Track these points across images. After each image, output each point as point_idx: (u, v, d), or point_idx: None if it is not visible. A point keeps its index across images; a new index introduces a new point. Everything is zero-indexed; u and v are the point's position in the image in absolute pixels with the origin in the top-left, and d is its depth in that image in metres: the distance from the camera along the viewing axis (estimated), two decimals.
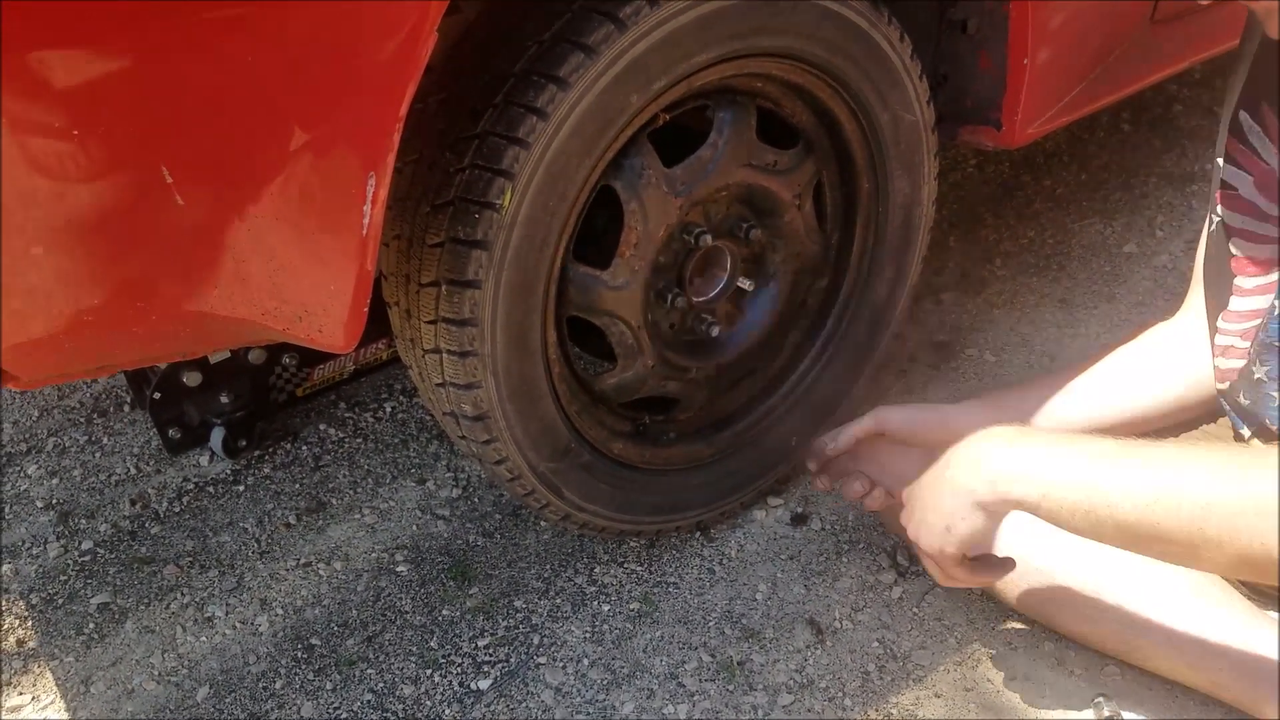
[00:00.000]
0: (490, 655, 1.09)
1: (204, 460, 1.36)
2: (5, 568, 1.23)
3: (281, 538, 1.25)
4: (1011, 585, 1.06)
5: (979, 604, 1.11)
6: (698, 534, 1.22)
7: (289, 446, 1.37)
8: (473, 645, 1.10)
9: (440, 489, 1.30)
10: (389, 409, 1.43)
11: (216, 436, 1.31)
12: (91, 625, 1.15)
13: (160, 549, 1.24)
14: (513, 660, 1.09)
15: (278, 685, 1.08)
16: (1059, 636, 1.06)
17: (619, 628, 1.11)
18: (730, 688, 1.05)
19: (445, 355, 0.93)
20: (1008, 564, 0.93)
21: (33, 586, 1.20)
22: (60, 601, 1.18)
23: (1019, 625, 1.09)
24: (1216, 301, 0.97)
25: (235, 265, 0.76)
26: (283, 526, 1.26)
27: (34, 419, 1.45)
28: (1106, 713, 0.98)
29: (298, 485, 1.32)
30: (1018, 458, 0.81)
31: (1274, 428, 0.89)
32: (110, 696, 1.07)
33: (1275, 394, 0.88)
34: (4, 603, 1.19)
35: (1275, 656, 0.90)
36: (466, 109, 0.89)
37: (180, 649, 1.12)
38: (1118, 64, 1.28)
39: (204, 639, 1.13)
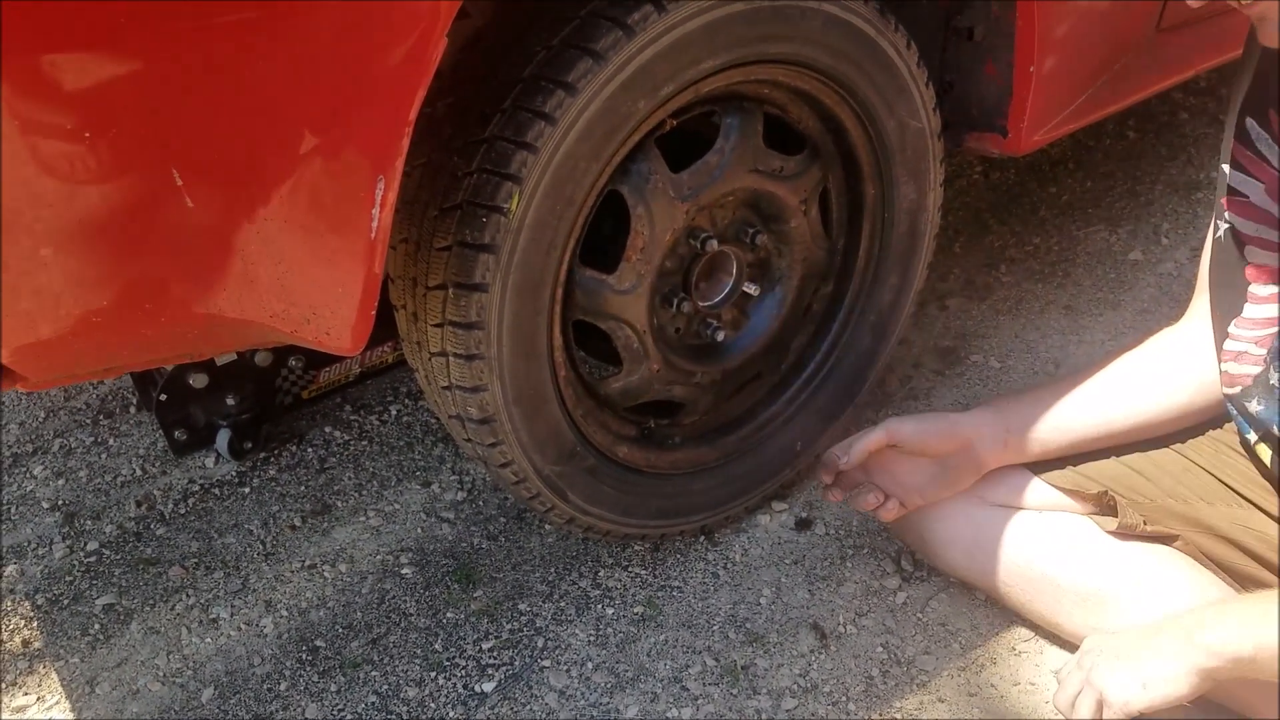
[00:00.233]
0: (494, 658, 1.09)
1: (209, 462, 1.36)
2: (11, 568, 1.23)
3: (287, 540, 1.25)
4: (1017, 590, 1.06)
5: (983, 610, 1.11)
6: (702, 538, 1.22)
7: (294, 449, 1.38)
8: (477, 648, 1.11)
9: (445, 492, 1.31)
10: (394, 412, 1.44)
11: (222, 438, 1.31)
12: (97, 626, 1.16)
13: (166, 550, 1.25)
14: (517, 663, 1.09)
15: (282, 687, 1.08)
16: (1064, 642, 1.06)
17: (623, 631, 1.12)
18: (734, 692, 1.05)
19: (452, 358, 0.93)
20: None
21: (38, 587, 1.21)
22: (66, 602, 1.19)
23: (1023, 630, 1.09)
24: (1227, 308, 0.97)
25: (244, 267, 0.77)
26: (288, 529, 1.26)
27: (40, 420, 1.46)
28: None
29: (303, 488, 1.32)
30: (1230, 623, 0.84)
31: None
32: (115, 697, 1.08)
33: None
34: (10, 603, 1.19)
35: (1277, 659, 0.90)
36: (475, 114, 0.89)
37: (185, 650, 1.12)
38: (1123, 72, 1.28)
39: (209, 640, 1.13)
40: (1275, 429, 0.91)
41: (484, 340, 0.92)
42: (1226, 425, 1.04)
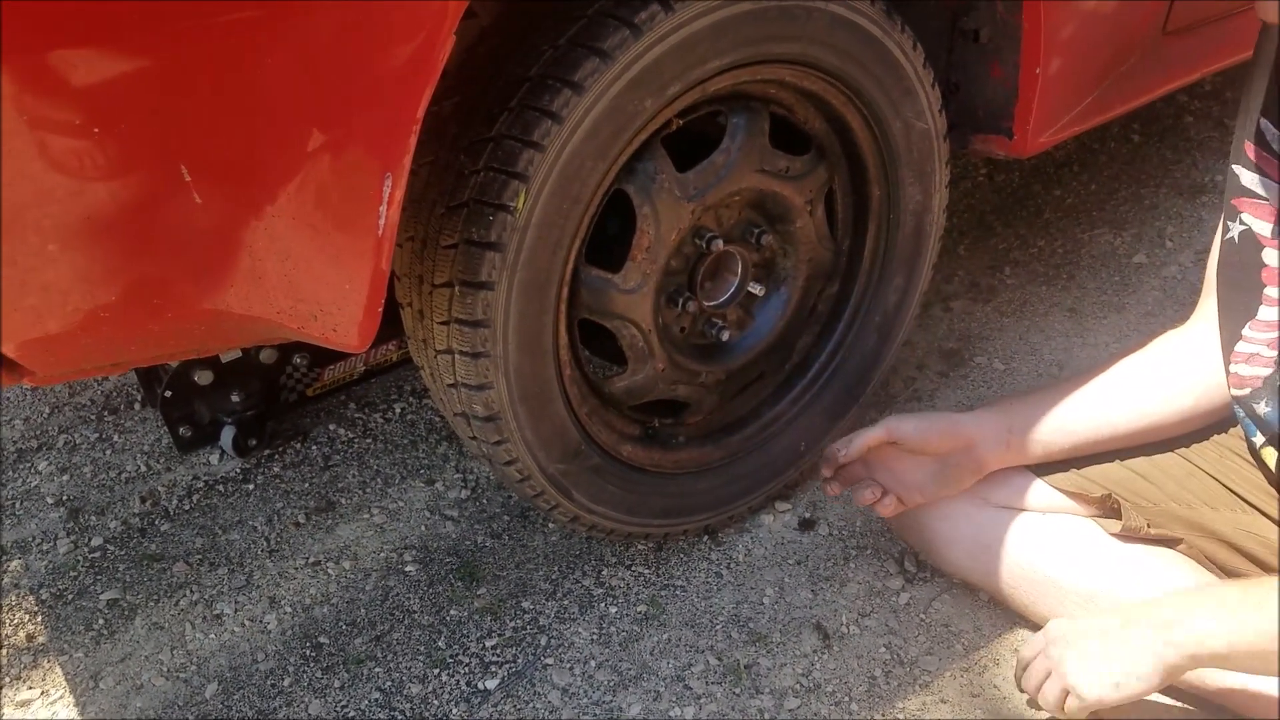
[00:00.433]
0: (498, 656, 1.10)
1: (214, 459, 1.36)
2: (16, 563, 1.24)
3: (290, 536, 1.25)
4: (1020, 592, 1.06)
5: (986, 611, 1.11)
6: (705, 538, 1.22)
7: (299, 446, 1.38)
8: (480, 645, 1.11)
9: (449, 490, 1.31)
10: (399, 410, 1.44)
11: (227, 435, 1.32)
12: (101, 621, 1.16)
13: (170, 546, 1.25)
14: (520, 661, 1.09)
15: (286, 683, 1.08)
16: None
17: (626, 630, 1.12)
18: (737, 691, 1.05)
19: (457, 356, 0.94)
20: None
21: (43, 582, 1.21)
22: (70, 597, 1.19)
23: (1026, 632, 1.09)
24: (1240, 310, 0.96)
25: (251, 264, 0.77)
26: (292, 525, 1.27)
27: (45, 416, 1.46)
28: None
29: (307, 484, 1.33)
30: (1204, 616, 0.84)
31: None
32: (119, 692, 1.08)
33: None
34: (14, 598, 1.19)
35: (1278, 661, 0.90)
36: (482, 112, 0.90)
37: (189, 646, 1.12)
38: (1129, 74, 1.28)
39: (213, 636, 1.13)
40: None
41: (490, 338, 0.92)
42: (1231, 430, 1.04)
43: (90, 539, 1.26)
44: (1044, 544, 1.04)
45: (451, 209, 0.90)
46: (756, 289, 1.13)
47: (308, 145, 0.72)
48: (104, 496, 1.32)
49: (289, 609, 1.16)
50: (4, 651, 1.13)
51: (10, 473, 1.37)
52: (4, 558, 1.25)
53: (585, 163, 0.89)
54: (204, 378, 1.26)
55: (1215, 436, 1.05)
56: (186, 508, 1.30)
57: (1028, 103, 1.15)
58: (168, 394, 1.26)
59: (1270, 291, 0.93)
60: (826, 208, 1.15)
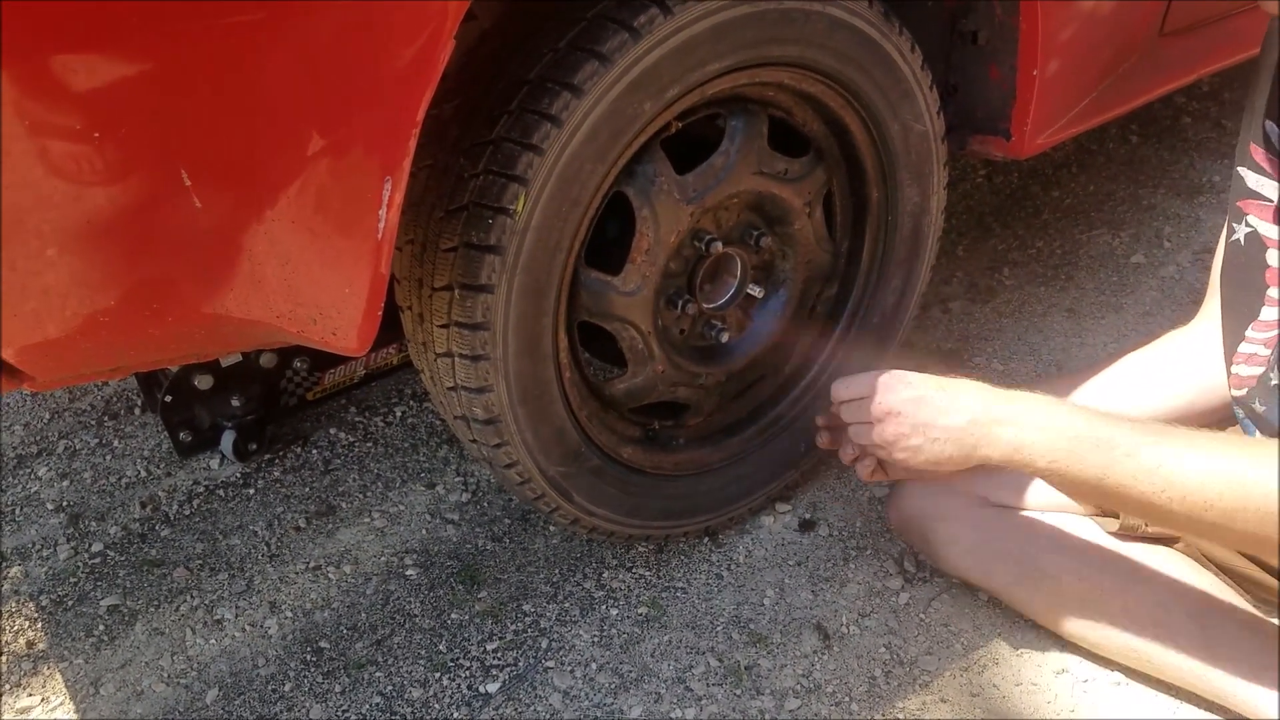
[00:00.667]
0: (499, 659, 1.10)
1: (214, 463, 1.36)
2: (16, 570, 1.24)
3: (291, 541, 1.25)
4: (1019, 591, 1.06)
5: (986, 610, 1.12)
6: (706, 539, 1.22)
7: (299, 450, 1.38)
8: (481, 649, 1.11)
9: (449, 493, 1.31)
10: (399, 413, 1.44)
11: (227, 440, 1.32)
12: (101, 627, 1.16)
13: (170, 552, 1.25)
14: (521, 664, 1.09)
15: (287, 688, 1.08)
16: (1065, 643, 1.06)
17: (627, 632, 1.12)
18: (737, 692, 1.05)
19: (457, 359, 0.94)
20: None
21: (43, 588, 1.21)
22: (70, 603, 1.19)
23: (1026, 632, 1.09)
24: (1242, 311, 0.96)
25: (251, 268, 0.77)
26: (292, 530, 1.27)
27: (45, 421, 1.46)
28: None
29: (307, 489, 1.33)
30: (1035, 435, 0.87)
31: None
32: (119, 698, 1.08)
33: None
34: (14, 605, 1.19)
35: (1278, 663, 0.90)
36: (481, 115, 0.90)
37: (190, 651, 1.12)
38: (1126, 76, 1.29)
39: (213, 641, 1.13)
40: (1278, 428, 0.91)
41: (489, 341, 0.92)
42: (1231, 429, 1.04)
43: (90, 545, 1.26)
44: (1042, 543, 1.04)
45: (451, 212, 0.90)
46: (755, 291, 1.13)
47: (307, 149, 0.72)
48: (104, 502, 1.32)
49: (290, 614, 1.16)
50: (4, 658, 1.13)
51: (10, 478, 1.37)
52: (4, 564, 1.24)
53: (584, 166, 0.89)
54: (204, 382, 1.26)
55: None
56: (187, 513, 1.30)
57: (1025, 104, 1.15)
58: (168, 399, 1.26)
59: (1272, 292, 0.93)
60: (825, 210, 1.15)
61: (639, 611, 1.14)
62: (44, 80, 0.65)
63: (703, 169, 1.01)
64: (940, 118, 1.13)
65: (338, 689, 1.07)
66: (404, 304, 1.00)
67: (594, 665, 1.08)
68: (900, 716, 1.02)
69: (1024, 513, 1.06)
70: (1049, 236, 1.74)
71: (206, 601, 1.18)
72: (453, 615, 1.15)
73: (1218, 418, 1.04)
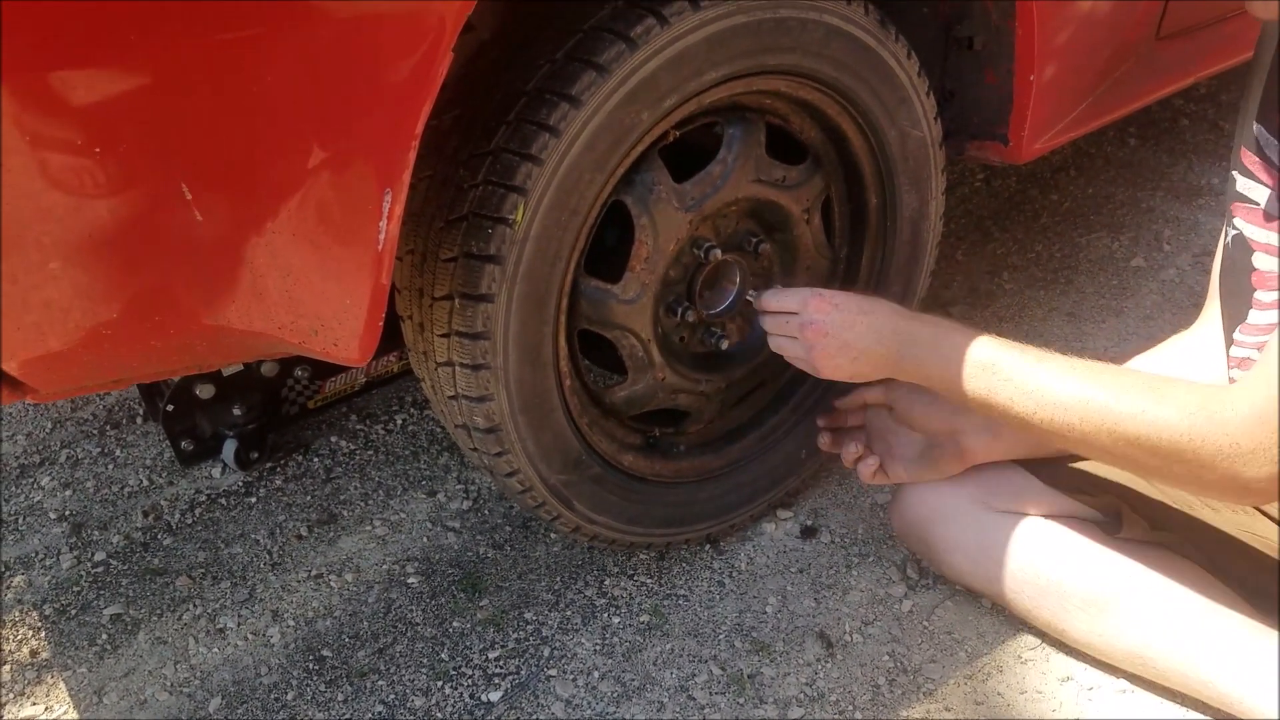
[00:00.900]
0: (501, 667, 1.10)
1: (216, 472, 1.37)
2: (19, 579, 1.24)
3: (293, 549, 1.25)
4: (1023, 598, 1.06)
5: (989, 617, 1.11)
6: (707, 546, 1.22)
7: (300, 458, 1.38)
8: (483, 657, 1.11)
9: (451, 501, 1.31)
10: (400, 421, 1.44)
11: (229, 448, 1.32)
12: (104, 636, 1.16)
13: (173, 560, 1.25)
14: (523, 672, 1.09)
15: (289, 696, 1.08)
16: (1070, 649, 1.06)
17: (629, 640, 1.12)
18: (740, 701, 1.05)
19: (458, 368, 0.94)
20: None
21: (46, 597, 1.21)
22: (73, 612, 1.19)
23: (1029, 638, 1.09)
24: (1234, 314, 0.97)
25: (252, 280, 0.77)
26: (294, 538, 1.27)
27: (47, 431, 1.46)
28: None
29: (309, 497, 1.33)
30: (936, 359, 0.98)
31: None
32: (123, 707, 1.08)
33: None
34: (17, 614, 1.19)
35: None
36: (480, 126, 0.90)
37: (192, 660, 1.12)
38: (1124, 80, 1.29)
39: (216, 650, 1.13)
40: None
41: (490, 350, 0.92)
42: None
43: (93, 554, 1.27)
44: (1045, 549, 1.04)
45: (451, 222, 0.90)
46: (755, 297, 1.13)
47: (308, 162, 0.73)
48: (106, 511, 1.33)
49: (292, 622, 1.16)
50: (7, 668, 1.13)
51: (13, 488, 1.37)
52: (7, 573, 1.25)
53: (583, 175, 0.90)
54: (206, 391, 1.26)
55: None
56: (189, 521, 1.30)
57: (1022, 109, 1.16)
58: (170, 408, 1.27)
59: (1259, 295, 0.93)
60: (824, 216, 1.16)
61: (641, 619, 1.14)
62: (45, 94, 0.65)
63: (701, 177, 1.02)
64: (937, 123, 1.13)
65: (340, 698, 1.07)
66: (404, 313, 1.00)
67: (596, 674, 1.08)
68: None
69: (1027, 518, 1.06)
70: (1048, 240, 1.74)
71: (209, 610, 1.18)
72: (454, 623, 1.15)
73: None
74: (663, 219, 1.00)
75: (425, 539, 1.26)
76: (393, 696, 1.07)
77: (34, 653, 1.15)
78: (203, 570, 1.23)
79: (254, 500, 1.33)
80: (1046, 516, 1.06)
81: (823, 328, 0.99)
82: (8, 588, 1.23)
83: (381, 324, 0.81)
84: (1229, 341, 0.98)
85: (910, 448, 1.09)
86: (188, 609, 1.18)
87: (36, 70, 0.64)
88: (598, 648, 1.11)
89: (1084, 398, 0.89)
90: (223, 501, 1.33)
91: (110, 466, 1.40)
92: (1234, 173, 0.97)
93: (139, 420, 1.47)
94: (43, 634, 1.17)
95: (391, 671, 1.10)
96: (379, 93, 0.73)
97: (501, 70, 0.92)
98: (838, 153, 1.13)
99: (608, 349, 1.07)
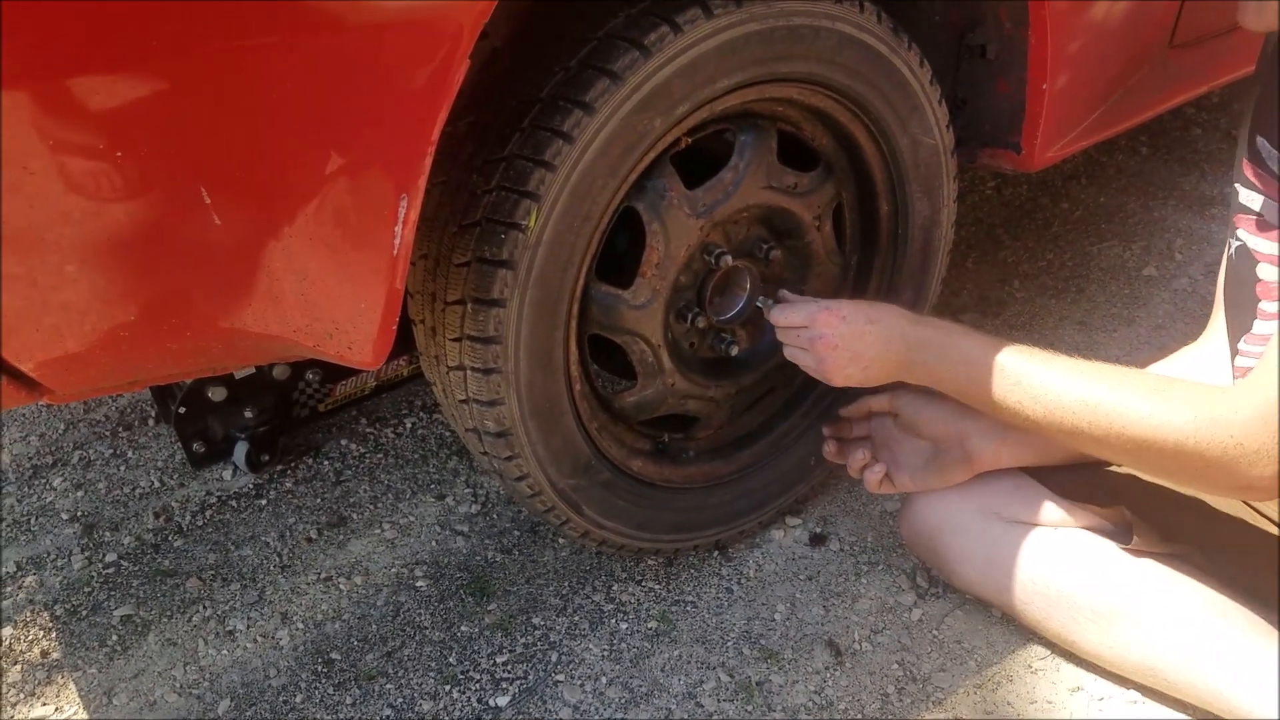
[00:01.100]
0: (509, 672, 1.10)
1: (227, 474, 1.37)
2: (30, 579, 1.25)
3: (303, 552, 1.26)
4: (1032, 608, 1.05)
5: (1000, 627, 1.11)
6: (716, 553, 1.22)
7: (311, 461, 1.39)
8: (491, 662, 1.11)
9: (460, 505, 1.31)
10: (409, 425, 1.45)
11: (240, 451, 1.33)
12: (114, 637, 1.16)
13: (183, 562, 1.26)
14: (531, 677, 1.09)
15: (298, 699, 1.08)
16: (1080, 660, 1.06)
17: (637, 646, 1.12)
18: (749, 708, 1.04)
19: (469, 372, 0.94)
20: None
21: (57, 598, 1.22)
22: (84, 613, 1.20)
23: (1039, 648, 1.08)
24: (1239, 325, 0.97)
25: (269, 283, 0.78)
26: (304, 541, 1.27)
27: (60, 432, 1.47)
28: None
29: (319, 500, 1.33)
30: (944, 364, 1.01)
31: None
32: (132, 708, 1.08)
33: None
34: (28, 614, 1.20)
35: None
36: (494, 132, 0.91)
37: (202, 662, 1.13)
38: (1136, 89, 1.29)
39: (225, 652, 1.14)
40: None
41: (501, 354, 0.92)
42: None
43: (104, 555, 1.27)
44: (1055, 559, 1.04)
45: (464, 227, 0.91)
46: (765, 303, 1.14)
47: (325, 168, 0.73)
48: (118, 512, 1.33)
49: (301, 625, 1.16)
50: (18, 668, 1.14)
51: (25, 489, 1.38)
52: (19, 574, 1.25)
53: (596, 181, 0.90)
54: (218, 394, 1.27)
55: None
56: (200, 523, 1.31)
57: (1035, 118, 1.15)
58: (181, 410, 1.27)
59: (1264, 306, 0.94)
60: (835, 223, 1.16)
61: (649, 625, 1.14)
62: (67, 100, 0.66)
63: (712, 184, 1.02)
64: (949, 131, 1.13)
65: (348, 701, 1.08)
66: (417, 318, 1.01)
67: (604, 679, 1.08)
68: None
69: (1037, 529, 1.06)
70: (1059, 249, 1.74)
71: (219, 612, 1.19)
72: (463, 627, 1.15)
73: None
74: (674, 225, 1.00)
75: (434, 543, 1.26)
76: (400, 700, 1.07)
77: (44, 653, 1.16)
78: (213, 572, 1.24)
79: (264, 503, 1.33)
80: (1056, 527, 1.05)
81: (832, 341, 1.01)
82: (19, 588, 1.23)
83: (395, 328, 0.81)
84: (1234, 352, 0.98)
85: (916, 455, 1.09)
86: (198, 610, 1.19)
87: (57, 75, 0.65)
88: (605, 653, 1.11)
89: (1093, 402, 0.91)
90: (233, 504, 1.33)
91: (122, 468, 1.40)
92: (1236, 185, 0.97)
93: (151, 422, 1.48)
94: (53, 634, 1.18)
95: (399, 675, 1.10)
96: (396, 99, 0.73)
97: (516, 77, 0.92)
98: (849, 160, 1.13)
99: (618, 354, 1.07)
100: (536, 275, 0.91)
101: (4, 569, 1.25)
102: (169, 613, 1.19)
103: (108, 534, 1.30)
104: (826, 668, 1.08)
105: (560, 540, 1.25)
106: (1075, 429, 0.92)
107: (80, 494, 1.37)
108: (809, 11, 0.95)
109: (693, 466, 1.16)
